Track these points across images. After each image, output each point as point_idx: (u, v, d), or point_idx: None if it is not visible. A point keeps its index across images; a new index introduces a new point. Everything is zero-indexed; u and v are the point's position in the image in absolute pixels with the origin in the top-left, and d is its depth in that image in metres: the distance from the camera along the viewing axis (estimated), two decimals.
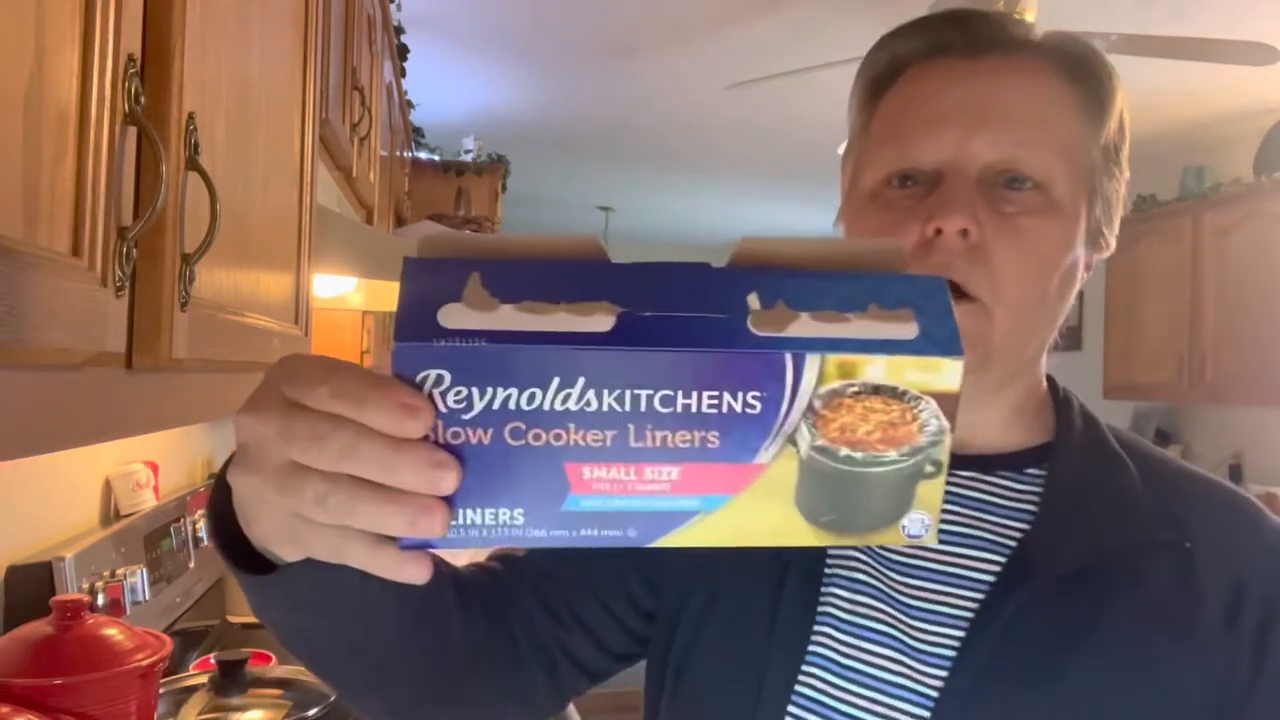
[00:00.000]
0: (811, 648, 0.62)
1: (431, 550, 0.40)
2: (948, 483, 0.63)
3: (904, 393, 0.39)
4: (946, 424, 0.39)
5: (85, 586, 1.27)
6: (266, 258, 0.94)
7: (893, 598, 0.62)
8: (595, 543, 0.40)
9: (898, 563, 0.64)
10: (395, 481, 0.37)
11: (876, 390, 0.38)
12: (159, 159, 0.58)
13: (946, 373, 0.38)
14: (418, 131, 3.93)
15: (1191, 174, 4.03)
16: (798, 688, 0.62)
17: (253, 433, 0.39)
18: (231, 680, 1.38)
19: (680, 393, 0.38)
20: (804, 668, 0.62)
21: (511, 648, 0.66)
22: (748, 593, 0.65)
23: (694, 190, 5.58)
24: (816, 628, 0.63)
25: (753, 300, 0.39)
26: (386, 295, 1.93)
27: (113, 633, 1.06)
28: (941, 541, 0.63)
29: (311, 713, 1.32)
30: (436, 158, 4.08)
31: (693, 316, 0.38)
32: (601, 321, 0.38)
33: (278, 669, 1.53)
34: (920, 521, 0.41)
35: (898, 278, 0.41)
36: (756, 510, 0.40)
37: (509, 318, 0.38)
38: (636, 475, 0.39)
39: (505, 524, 0.40)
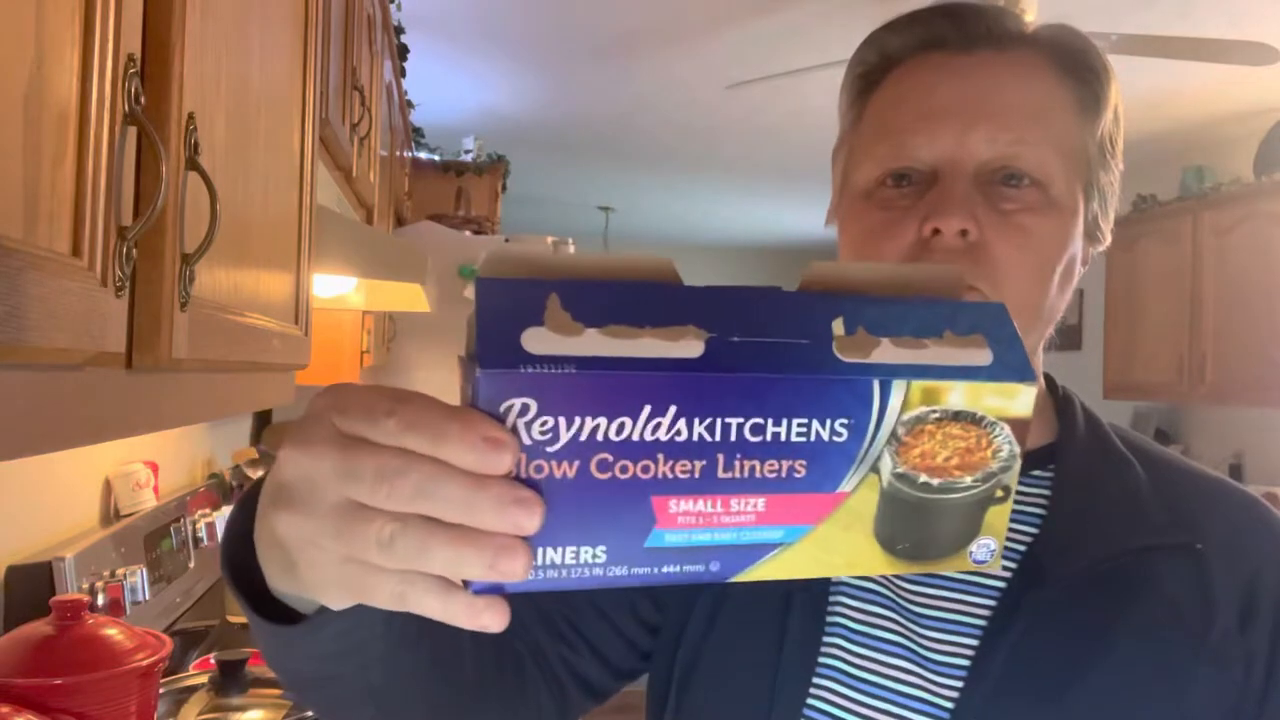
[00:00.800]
0: (822, 659, 0.61)
1: (505, 594, 0.36)
2: None
3: (981, 418, 0.39)
4: (1018, 449, 0.40)
5: (85, 586, 1.27)
6: (266, 258, 0.94)
7: (903, 606, 0.62)
8: (677, 580, 0.39)
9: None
10: (475, 522, 0.34)
11: (956, 416, 0.39)
12: (159, 159, 0.57)
13: (1021, 398, 0.39)
14: (418, 131, 3.93)
15: (1191, 174, 4.03)
16: (810, 700, 0.61)
17: (303, 471, 0.35)
18: (232, 680, 1.38)
19: (771, 420, 0.37)
20: (815, 680, 0.61)
21: (519, 674, 0.66)
22: (753, 603, 0.64)
23: (694, 190, 5.58)
24: (826, 639, 0.62)
25: (837, 326, 0.39)
26: (386, 295, 1.93)
27: (113, 633, 1.06)
28: None
29: (311, 713, 1.32)
30: (436, 158, 4.08)
31: (780, 342, 0.38)
32: (691, 347, 0.37)
33: None
34: (987, 547, 0.41)
35: (965, 305, 0.41)
36: (836, 540, 0.39)
37: (596, 343, 0.36)
38: (724, 507, 0.38)
39: (586, 563, 0.37)
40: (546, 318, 0.36)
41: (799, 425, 0.37)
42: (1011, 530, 0.61)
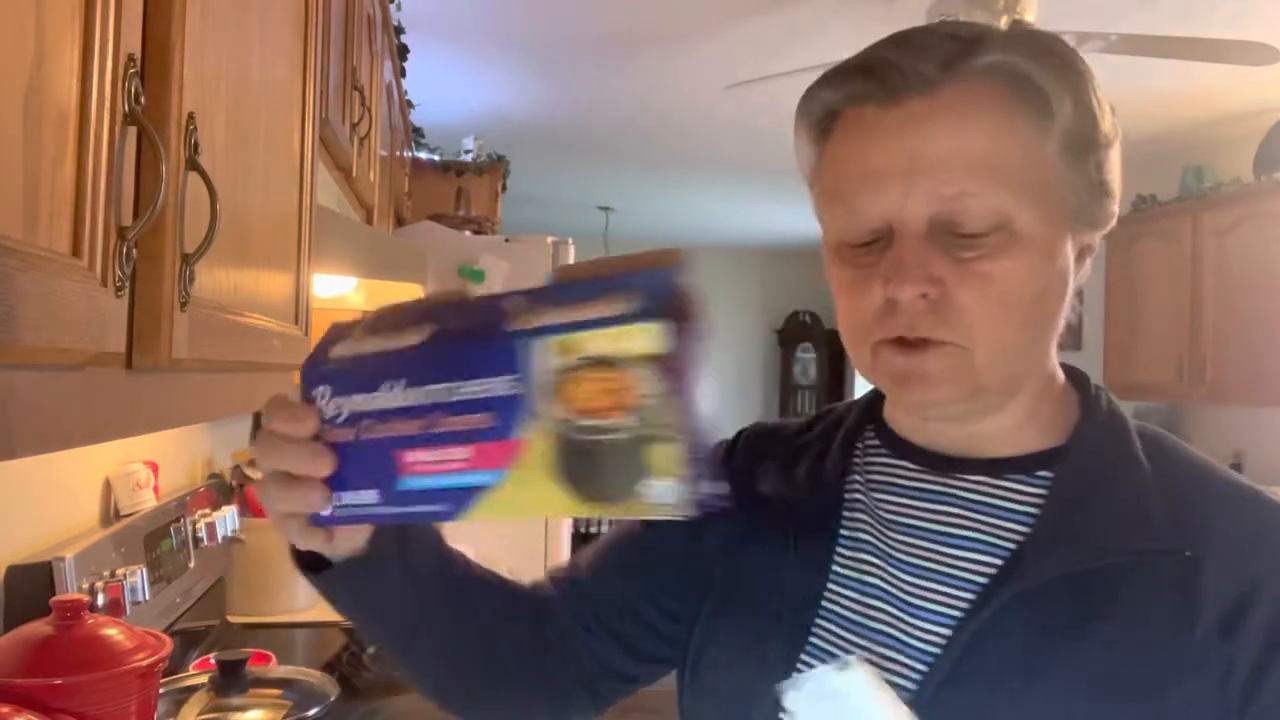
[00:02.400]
0: (811, 639, 0.65)
1: (331, 524, 0.56)
2: (951, 486, 0.64)
3: (618, 360, 0.44)
4: (669, 386, 0.44)
5: (85, 586, 1.26)
6: (266, 258, 0.94)
7: (894, 596, 0.64)
8: (423, 518, 0.51)
9: (904, 563, 0.64)
10: (296, 469, 0.54)
11: (598, 362, 0.44)
12: (159, 159, 0.57)
13: (646, 338, 0.44)
14: (418, 131, 3.93)
15: (1191, 174, 4.03)
16: (811, 640, 0.65)
17: None
18: (231, 680, 1.38)
19: (463, 383, 0.48)
20: (815, 627, 0.65)
21: (550, 654, 0.74)
22: (761, 561, 0.69)
23: (694, 190, 5.58)
24: (826, 595, 0.66)
25: (513, 306, 0.48)
26: (387, 295, 1.93)
27: (113, 633, 1.06)
28: (940, 542, 0.63)
29: (311, 713, 1.32)
30: (436, 158, 4.08)
31: (478, 325, 0.48)
32: (420, 337, 0.50)
33: (278, 669, 1.53)
34: (663, 489, 0.44)
35: (648, 272, 0.47)
36: (530, 484, 0.47)
37: (369, 345, 0.52)
38: (442, 455, 0.49)
39: (367, 503, 0.52)
40: (353, 335, 0.53)
41: (482, 385, 0.47)
42: (1004, 529, 0.62)
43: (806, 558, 0.67)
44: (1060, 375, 0.68)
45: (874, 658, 0.62)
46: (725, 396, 7.73)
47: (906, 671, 0.61)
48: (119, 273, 0.56)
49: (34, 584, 1.19)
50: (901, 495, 0.66)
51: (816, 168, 0.66)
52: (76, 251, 0.52)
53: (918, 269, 0.57)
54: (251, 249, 0.88)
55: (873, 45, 0.62)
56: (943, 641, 0.60)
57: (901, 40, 0.61)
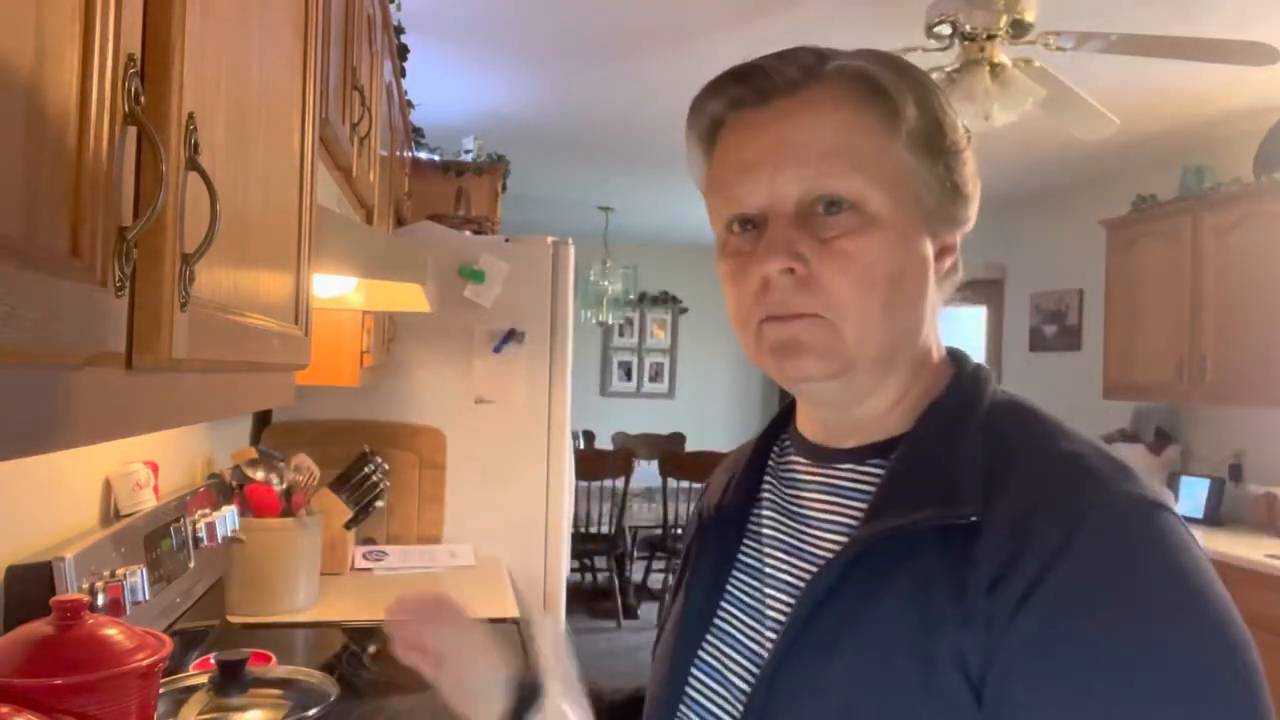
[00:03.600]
0: (724, 598, 0.75)
1: None
2: (825, 475, 0.72)
3: None
4: None
5: (85, 586, 1.27)
6: (266, 258, 0.94)
7: (764, 574, 0.73)
8: None
9: (776, 543, 0.73)
10: None
11: None
12: (159, 159, 0.57)
13: None
14: (418, 131, 3.93)
15: (1191, 174, 4.02)
16: (709, 634, 0.75)
17: None
18: (232, 680, 1.38)
19: None
20: (719, 612, 0.75)
21: None
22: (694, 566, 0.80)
23: (694, 190, 5.57)
24: (730, 585, 0.75)
25: None
26: (386, 295, 1.93)
27: (113, 633, 1.06)
28: (804, 523, 0.72)
29: (311, 713, 1.32)
30: (436, 158, 4.08)
31: None
32: None
33: (278, 669, 1.53)
34: None
35: None
36: None
37: None
38: None
39: None
40: None
41: None
42: (852, 508, 0.69)
43: (719, 553, 0.77)
44: (939, 359, 0.73)
45: (746, 629, 0.71)
46: (724, 397, 7.73)
47: (764, 641, 0.69)
48: (119, 273, 0.56)
49: (34, 584, 1.19)
50: (794, 487, 0.74)
51: (706, 174, 0.74)
52: (76, 251, 0.52)
53: (784, 246, 0.65)
54: (252, 249, 0.88)
55: (726, 74, 0.71)
56: (787, 611, 0.68)
57: (772, 54, 0.70)
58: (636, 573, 5.83)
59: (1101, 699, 0.53)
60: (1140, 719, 0.53)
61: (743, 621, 0.72)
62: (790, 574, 0.70)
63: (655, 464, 5.45)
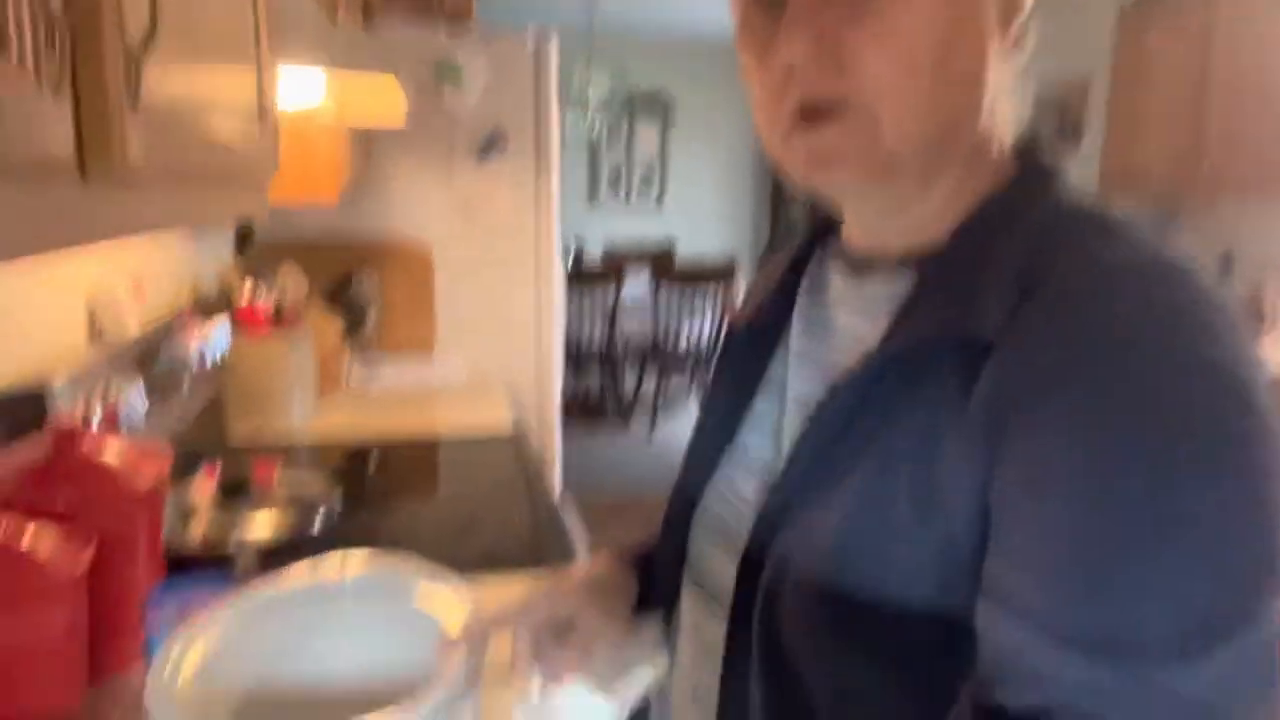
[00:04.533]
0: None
1: None
2: (860, 290, 0.65)
3: None
4: None
5: (80, 409, 1.26)
6: (221, 51, 0.87)
7: (782, 389, 0.69)
8: None
9: (799, 361, 0.68)
10: None
11: None
12: None
13: None
14: None
15: None
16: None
17: None
18: (237, 494, 1.41)
19: None
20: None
21: None
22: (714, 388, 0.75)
23: None
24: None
25: None
26: (359, 107, 1.83)
27: (113, 453, 1.07)
28: (828, 338, 0.66)
29: (317, 525, 1.36)
30: None
31: None
32: None
33: (280, 483, 1.56)
34: None
35: None
36: None
37: None
38: None
39: None
40: None
41: None
42: (875, 325, 0.62)
43: (745, 369, 0.72)
44: (1002, 153, 0.62)
45: (764, 450, 0.68)
46: (714, 203, 7.61)
47: (780, 462, 0.65)
48: (54, 69, 0.51)
49: (27, 408, 1.18)
50: (824, 301, 0.68)
51: None
52: (3, 46, 0.46)
53: (807, 20, 0.54)
54: (203, 42, 0.80)
55: None
56: (798, 434, 0.63)
57: None
58: (629, 384, 5.94)
59: (1113, 506, 0.45)
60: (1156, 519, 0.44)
61: (760, 442, 0.69)
62: (810, 394, 0.65)
63: (646, 274, 5.43)
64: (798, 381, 0.67)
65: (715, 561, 0.68)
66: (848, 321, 0.65)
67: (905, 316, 0.58)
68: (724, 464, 0.71)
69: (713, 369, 0.77)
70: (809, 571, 0.58)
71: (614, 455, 5.11)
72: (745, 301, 0.77)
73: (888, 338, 0.58)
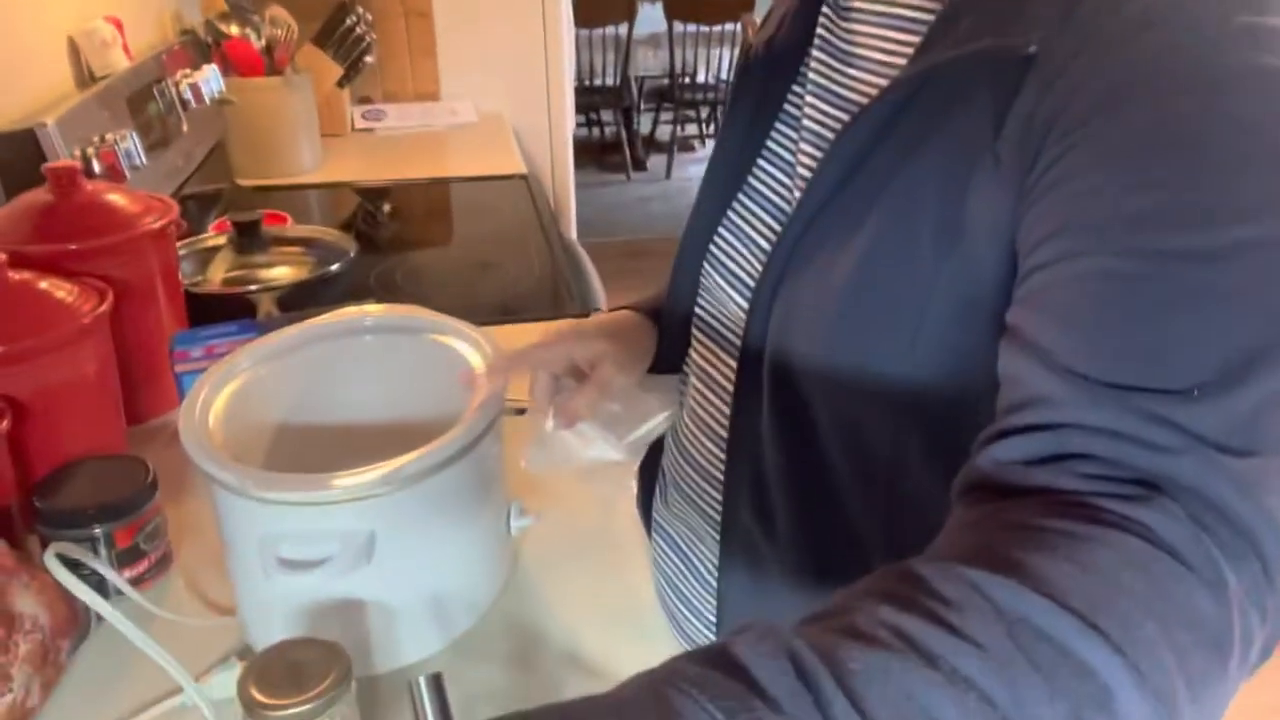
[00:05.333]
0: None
1: None
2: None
3: None
4: None
5: (76, 154, 1.22)
6: None
7: (799, 125, 0.63)
8: None
9: (815, 88, 0.62)
10: None
11: None
12: None
13: None
14: None
15: None
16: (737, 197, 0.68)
17: None
18: (250, 239, 1.40)
19: None
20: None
21: None
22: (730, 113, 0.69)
23: None
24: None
25: None
26: None
27: (116, 198, 1.04)
28: (847, 61, 0.59)
29: (334, 268, 1.35)
30: None
31: None
32: None
33: (295, 228, 1.54)
34: None
35: None
36: None
37: None
38: None
39: None
40: None
41: None
42: (901, 45, 0.55)
43: (760, 100, 0.66)
44: None
45: (778, 185, 0.64)
46: None
47: (792, 199, 0.62)
48: None
49: (20, 153, 1.14)
50: (847, 20, 0.60)
51: None
52: None
53: None
54: None
55: None
56: (814, 166, 0.59)
57: None
58: (644, 124, 5.74)
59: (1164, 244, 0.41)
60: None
61: (773, 177, 0.65)
62: (825, 124, 0.60)
63: (660, 6, 5.08)
64: (811, 114, 0.62)
65: (726, 297, 0.67)
66: (869, 42, 0.58)
67: (938, 33, 0.52)
68: (738, 198, 0.67)
69: (729, 97, 0.72)
70: (821, 308, 0.57)
71: (629, 195, 5.03)
72: (765, 21, 0.70)
73: (916, 58, 0.53)
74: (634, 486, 0.85)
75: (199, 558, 0.82)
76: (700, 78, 5.21)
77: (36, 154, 1.15)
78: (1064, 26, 0.46)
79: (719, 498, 0.68)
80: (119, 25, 1.54)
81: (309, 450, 0.76)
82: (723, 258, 0.68)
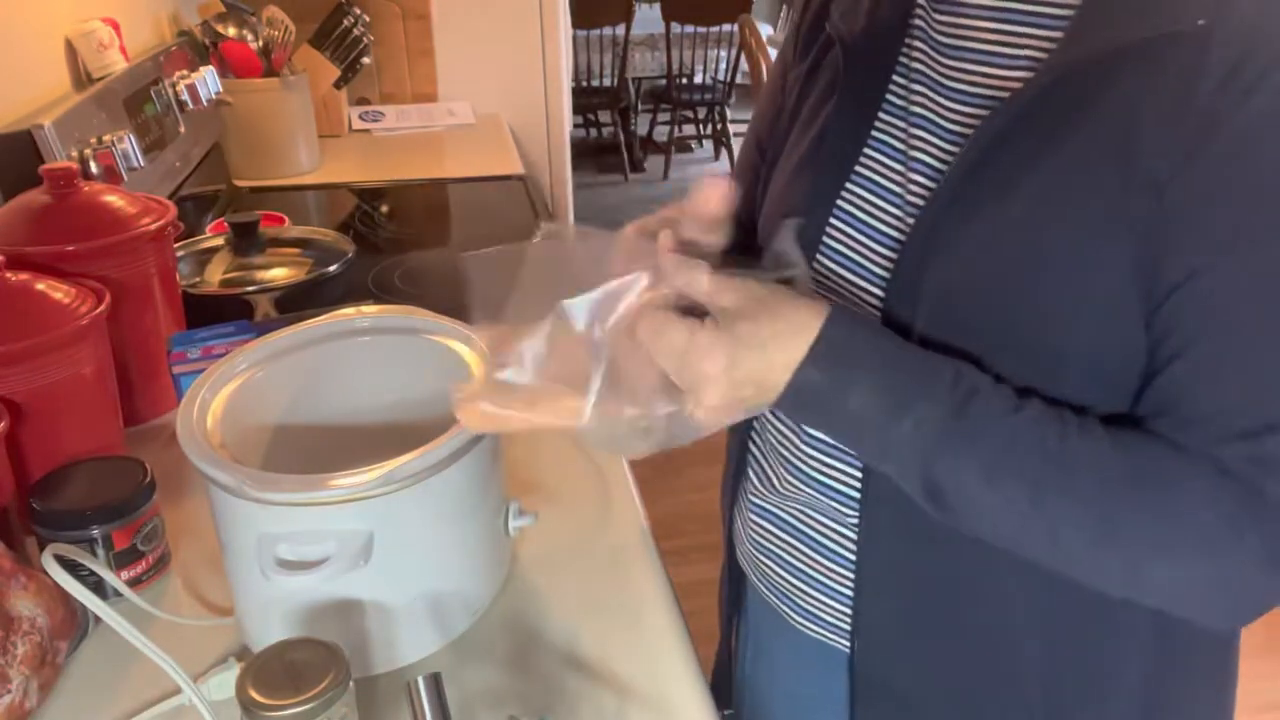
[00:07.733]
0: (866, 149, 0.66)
1: None
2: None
3: None
4: None
5: (74, 155, 1.22)
6: None
7: (933, 124, 0.62)
8: None
9: (945, 89, 0.61)
10: None
11: None
12: None
13: None
14: None
15: None
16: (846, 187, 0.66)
17: None
18: (248, 240, 1.40)
19: None
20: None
21: None
22: (814, 101, 0.70)
23: None
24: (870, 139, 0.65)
25: None
26: None
27: (113, 199, 1.04)
28: (959, 55, 0.60)
29: (332, 269, 1.35)
30: None
31: None
32: None
33: (293, 229, 1.54)
34: None
35: None
36: None
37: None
38: None
39: None
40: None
41: None
42: (1028, 38, 0.56)
43: (859, 93, 0.66)
44: None
45: (895, 176, 0.63)
46: None
47: (912, 188, 0.62)
48: None
49: (18, 154, 1.14)
50: (952, 13, 0.60)
51: None
52: None
53: None
54: None
55: None
56: (943, 155, 0.60)
57: None
58: (641, 126, 5.74)
59: None
60: None
61: (888, 168, 0.64)
62: (941, 115, 0.61)
63: (657, 7, 5.08)
64: (922, 105, 0.62)
65: (849, 286, 0.65)
66: (987, 36, 0.58)
67: (1090, 17, 0.53)
68: (848, 195, 0.66)
69: (800, 83, 0.72)
70: (962, 297, 0.57)
71: (628, 196, 5.03)
72: (848, 11, 0.69)
73: (1067, 46, 0.53)
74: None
75: (197, 558, 0.82)
76: (698, 79, 5.21)
77: (34, 155, 1.15)
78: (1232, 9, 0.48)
79: (857, 475, 0.67)
80: (116, 26, 1.54)
81: (307, 451, 0.76)
82: (843, 250, 0.66)
